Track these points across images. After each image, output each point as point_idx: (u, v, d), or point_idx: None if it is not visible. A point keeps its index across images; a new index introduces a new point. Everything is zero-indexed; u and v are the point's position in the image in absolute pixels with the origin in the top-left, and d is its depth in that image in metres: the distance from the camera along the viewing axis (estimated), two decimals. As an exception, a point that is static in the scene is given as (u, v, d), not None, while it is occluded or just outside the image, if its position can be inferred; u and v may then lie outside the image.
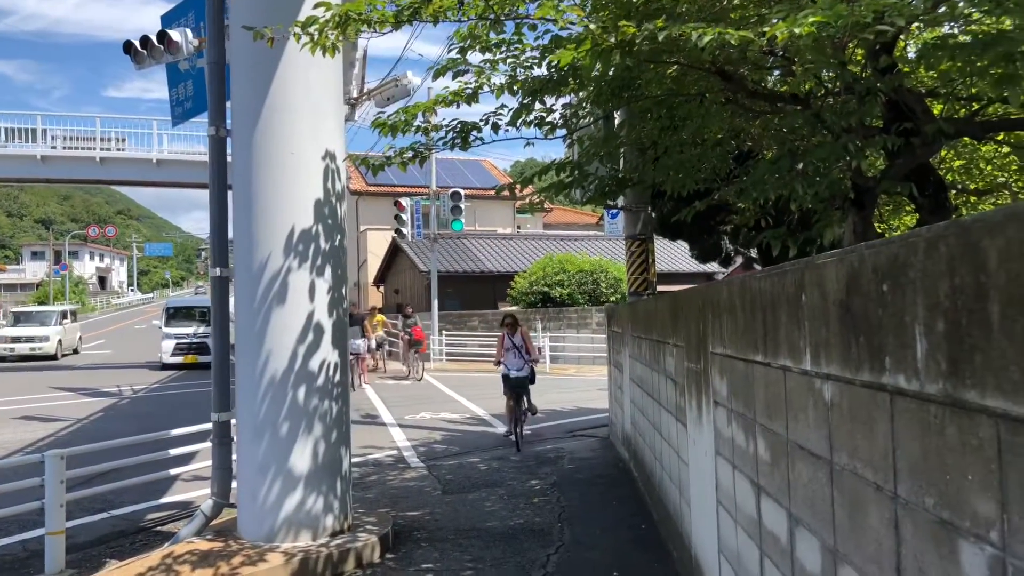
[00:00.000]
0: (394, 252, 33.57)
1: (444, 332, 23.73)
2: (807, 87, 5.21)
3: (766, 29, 3.35)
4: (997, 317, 1.24)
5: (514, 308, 23.40)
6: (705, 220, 8.94)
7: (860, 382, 1.82)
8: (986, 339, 1.28)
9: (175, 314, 24.75)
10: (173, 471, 7.04)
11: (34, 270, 78.41)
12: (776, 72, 5.73)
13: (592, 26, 3.90)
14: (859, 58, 5.04)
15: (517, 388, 10.03)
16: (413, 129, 5.55)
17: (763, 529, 2.80)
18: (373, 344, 19.36)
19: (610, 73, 5.05)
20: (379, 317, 20.43)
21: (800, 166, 4.84)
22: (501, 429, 11.34)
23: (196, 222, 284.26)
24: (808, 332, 2.18)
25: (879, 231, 6.76)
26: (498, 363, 10.39)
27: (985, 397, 1.29)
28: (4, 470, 7.26)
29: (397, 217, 23.95)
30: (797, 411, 2.33)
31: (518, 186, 6.05)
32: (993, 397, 1.27)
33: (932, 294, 1.46)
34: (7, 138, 25.70)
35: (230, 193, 6.01)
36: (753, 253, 11.05)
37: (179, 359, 23.11)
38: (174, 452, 6.88)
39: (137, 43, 8.00)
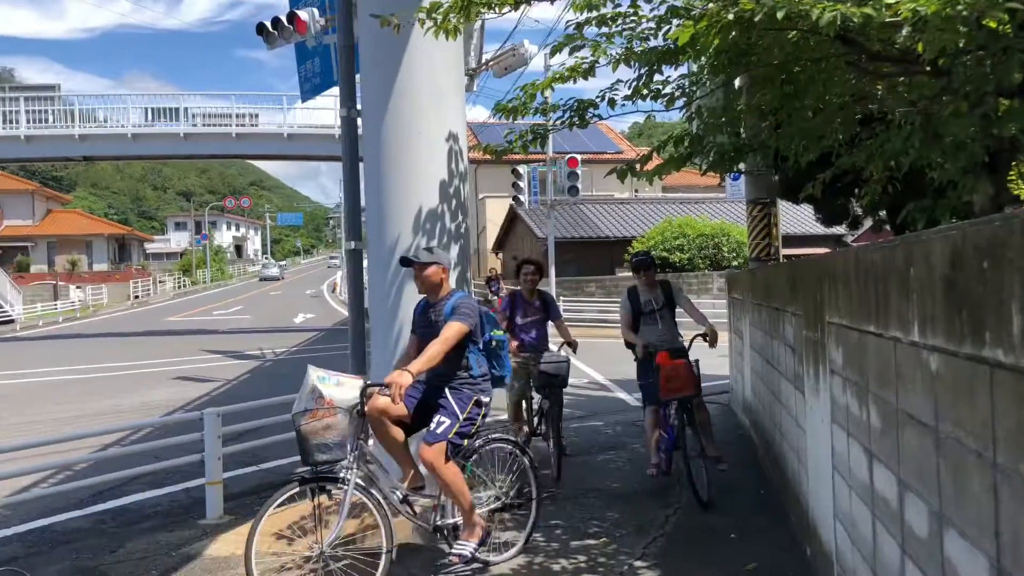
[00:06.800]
0: (512, 219, 34.04)
1: (562, 298, 23.97)
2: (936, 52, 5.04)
3: (890, 1, 3.32)
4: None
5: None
6: (831, 184, 8.71)
7: (963, 355, 1.90)
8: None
9: None
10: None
11: (178, 240, 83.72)
12: (904, 31, 5.55)
13: (712, 5, 3.94)
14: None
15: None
16: (531, 111, 5.73)
17: (875, 494, 2.89)
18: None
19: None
20: None
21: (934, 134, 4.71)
22: (621, 394, 11.51)
23: (322, 190, 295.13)
24: (916, 305, 2.26)
25: (1016, 194, 6.47)
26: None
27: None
28: (169, 425, 8.09)
29: (514, 185, 24.25)
30: (906, 381, 2.41)
31: (638, 165, 6.12)
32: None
33: (1026, 274, 1.54)
34: (153, 117, 27.67)
35: (361, 166, 6.35)
36: (882, 214, 10.67)
37: None
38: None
39: (268, 24, 8.46)
